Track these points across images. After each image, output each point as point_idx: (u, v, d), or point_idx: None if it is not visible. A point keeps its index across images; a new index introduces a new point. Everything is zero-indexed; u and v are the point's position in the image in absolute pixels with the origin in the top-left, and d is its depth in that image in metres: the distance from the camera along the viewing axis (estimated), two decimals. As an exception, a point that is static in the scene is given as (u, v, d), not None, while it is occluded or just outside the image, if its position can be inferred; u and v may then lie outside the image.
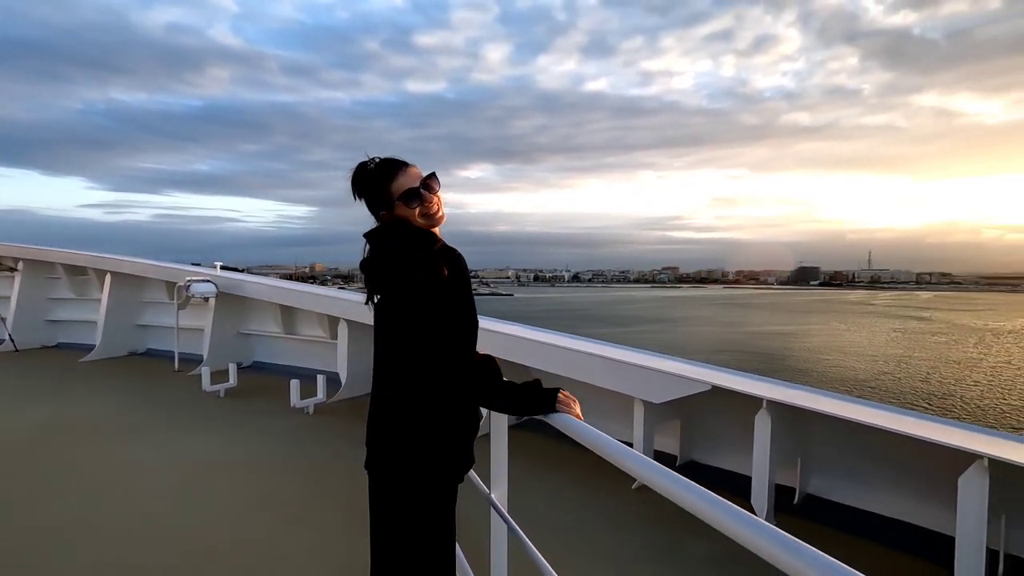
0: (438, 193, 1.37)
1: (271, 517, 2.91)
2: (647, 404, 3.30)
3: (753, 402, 2.86)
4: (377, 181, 1.37)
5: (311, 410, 4.93)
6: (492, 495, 1.59)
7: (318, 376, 5.05)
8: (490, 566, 1.62)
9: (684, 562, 2.56)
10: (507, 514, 1.53)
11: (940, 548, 2.42)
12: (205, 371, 5.64)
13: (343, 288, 11.67)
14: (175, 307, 6.78)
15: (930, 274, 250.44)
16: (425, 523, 1.34)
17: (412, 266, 1.28)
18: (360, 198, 1.41)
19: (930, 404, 19.22)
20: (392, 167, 1.37)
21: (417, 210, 1.34)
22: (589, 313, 62.74)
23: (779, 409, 2.82)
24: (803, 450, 3.12)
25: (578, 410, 1.29)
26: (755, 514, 2.61)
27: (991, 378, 24.47)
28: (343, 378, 5.42)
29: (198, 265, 8.29)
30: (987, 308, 74.21)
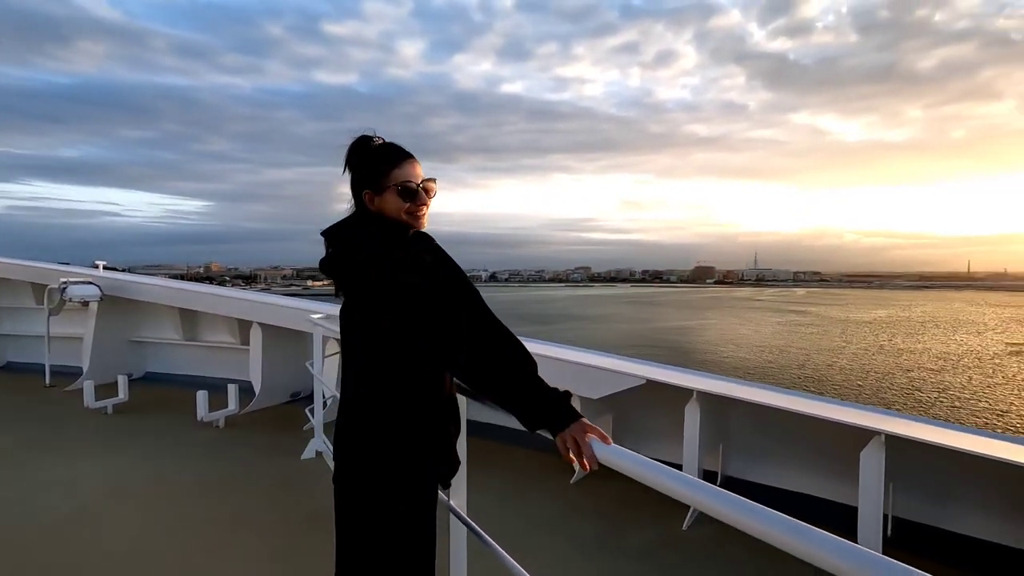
0: (430, 200, 1.32)
1: (190, 544, 2.59)
2: (584, 400, 3.38)
3: (683, 393, 3.04)
4: (379, 160, 1.29)
5: (221, 423, 4.51)
6: (452, 501, 1.53)
7: (228, 386, 4.63)
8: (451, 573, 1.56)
9: (628, 550, 2.67)
10: (469, 519, 1.46)
11: (846, 517, 2.71)
12: (87, 385, 4.95)
13: (245, 290, 10.85)
14: (45, 313, 5.89)
15: (804, 273, 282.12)
16: (412, 537, 1.22)
17: (394, 261, 1.19)
18: (349, 170, 1.32)
19: (808, 387, 21.70)
20: (400, 154, 1.30)
21: (406, 207, 1.27)
22: (511, 312, 63.48)
23: (706, 399, 3.02)
24: (724, 436, 3.37)
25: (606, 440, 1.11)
26: (688, 504, 2.64)
27: (852, 363, 28.01)
28: (257, 387, 5.02)
29: (67, 264, 7.29)
30: (849, 303, 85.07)
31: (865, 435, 2.53)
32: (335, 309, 5.41)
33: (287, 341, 5.04)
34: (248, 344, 5.19)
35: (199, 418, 4.43)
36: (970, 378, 23.10)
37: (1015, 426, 16.71)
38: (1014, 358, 28.83)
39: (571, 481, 3.20)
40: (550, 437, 1.13)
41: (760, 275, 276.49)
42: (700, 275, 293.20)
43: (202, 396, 4.47)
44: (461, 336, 1.18)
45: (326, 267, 1.30)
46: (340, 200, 1.36)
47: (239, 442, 4.18)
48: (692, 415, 3.02)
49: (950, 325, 46.61)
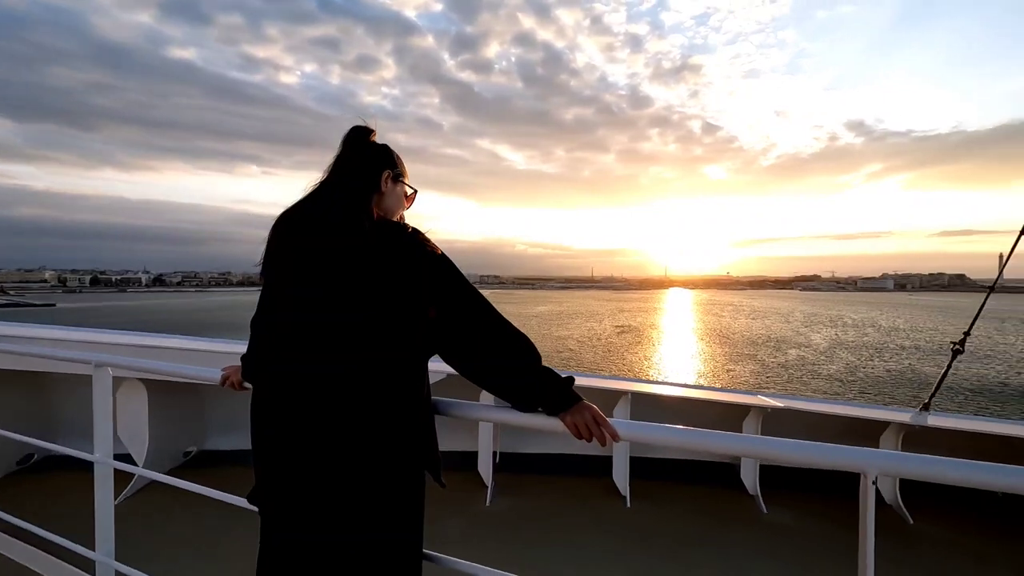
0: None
1: None
2: None
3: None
4: (390, 159, 1.27)
5: None
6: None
7: None
8: None
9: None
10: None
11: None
12: None
13: None
14: None
15: (487, 276, 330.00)
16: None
17: (403, 247, 1.11)
18: (369, 145, 1.26)
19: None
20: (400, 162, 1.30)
21: (403, 210, 1.30)
22: (195, 321, 53.49)
23: None
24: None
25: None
26: (484, 481, 3.43)
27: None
28: None
29: None
30: (521, 301, 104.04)
31: (616, 395, 3.30)
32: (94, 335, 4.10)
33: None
34: None
35: None
36: (596, 351, 31.99)
37: (629, 372, 24.26)
38: (621, 335, 41.45)
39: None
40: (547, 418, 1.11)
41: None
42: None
43: None
44: (468, 328, 1.11)
45: (300, 232, 1.13)
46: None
47: None
48: (487, 399, 3.36)
49: (584, 316, 62.55)
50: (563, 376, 1.12)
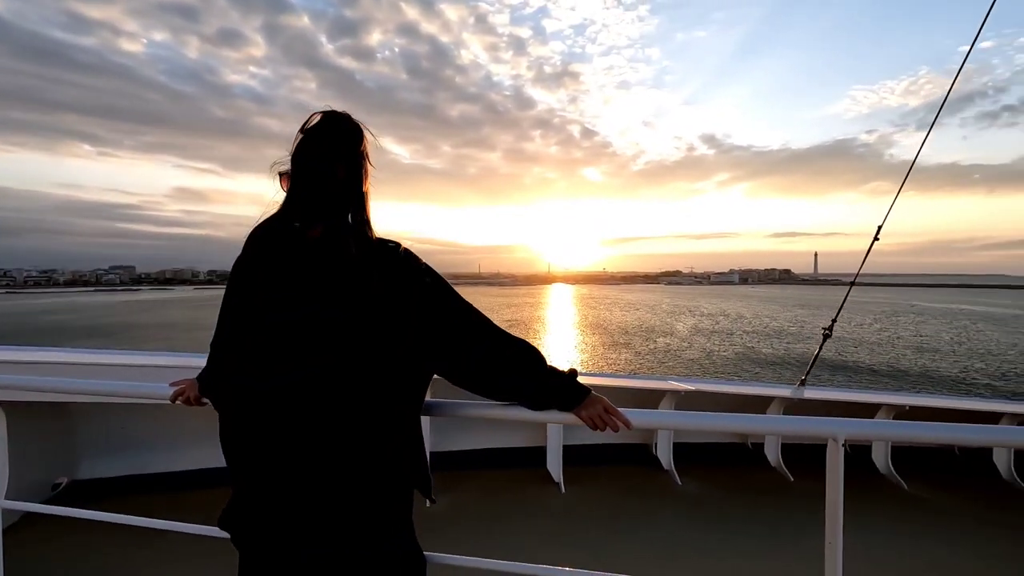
0: None
1: None
2: None
3: None
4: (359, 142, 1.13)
5: None
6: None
7: None
8: None
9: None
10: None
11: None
12: None
13: None
14: None
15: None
16: None
17: (395, 258, 1.10)
18: (351, 137, 1.12)
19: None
20: None
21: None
22: (15, 330, 44.72)
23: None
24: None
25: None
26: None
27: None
28: None
29: None
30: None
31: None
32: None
33: None
34: None
35: None
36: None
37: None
38: (510, 329, 42.50)
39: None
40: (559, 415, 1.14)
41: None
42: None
43: None
44: (464, 336, 1.10)
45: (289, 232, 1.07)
46: None
47: None
48: None
49: (473, 311, 63.04)
50: (568, 372, 1.15)
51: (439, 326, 1.08)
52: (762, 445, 4.14)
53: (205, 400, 1.25)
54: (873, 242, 3.25)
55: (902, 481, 3.82)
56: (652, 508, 3.36)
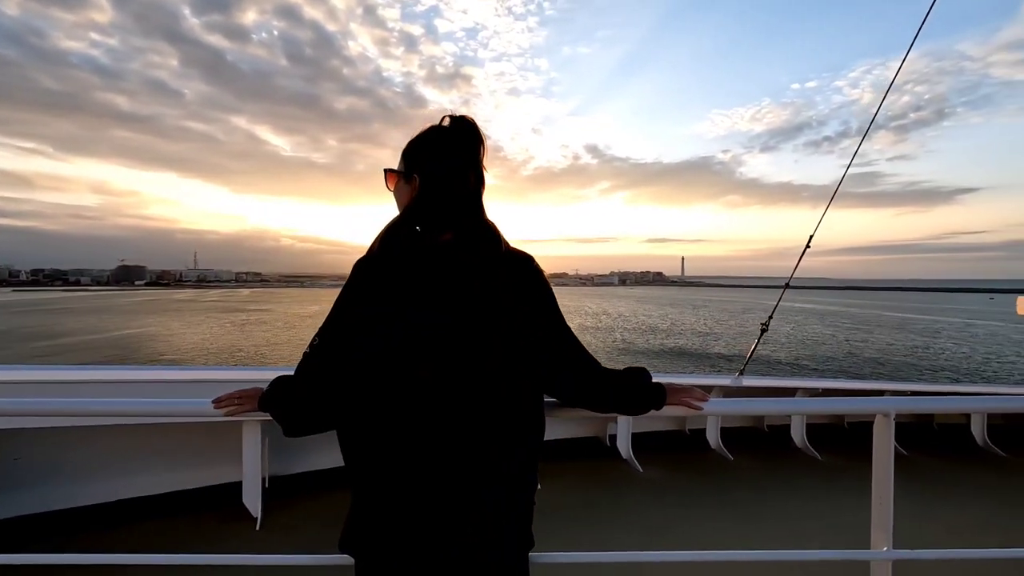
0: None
1: None
2: None
3: None
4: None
5: None
6: None
7: None
8: None
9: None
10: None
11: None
12: None
13: None
14: None
15: (246, 273, 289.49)
16: None
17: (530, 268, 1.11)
18: (471, 153, 1.10)
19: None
20: None
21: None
22: None
23: None
24: None
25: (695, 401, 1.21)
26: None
27: (296, 349, 32.53)
28: None
29: None
30: (290, 300, 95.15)
31: None
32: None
33: None
34: None
35: None
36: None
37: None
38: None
39: None
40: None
41: (202, 276, 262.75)
42: (126, 276, 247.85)
43: None
44: (576, 352, 1.14)
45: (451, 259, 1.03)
46: None
47: None
48: None
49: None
50: (641, 370, 1.21)
51: (556, 349, 1.10)
52: (702, 431, 4.68)
53: (241, 417, 1.18)
54: (805, 249, 3.44)
55: (818, 453, 4.52)
56: (614, 495, 3.62)
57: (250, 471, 3.10)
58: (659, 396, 1.19)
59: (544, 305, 1.09)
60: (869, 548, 1.38)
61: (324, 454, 3.68)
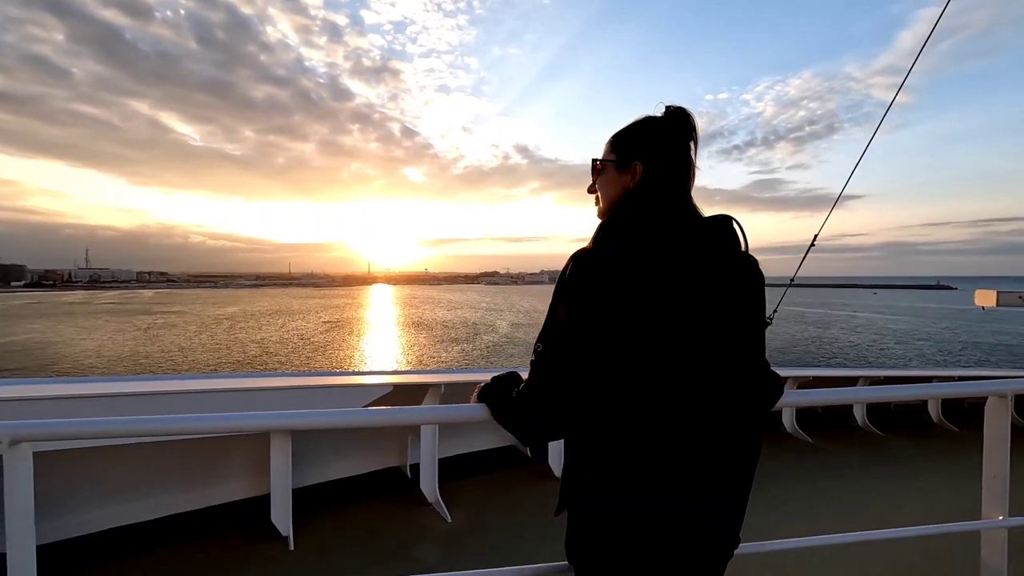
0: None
1: None
2: None
3: (422, 389, 3.41)
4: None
5: None
6: None
7: None
8: None
9: None
10: None
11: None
12: None
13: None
14: None
15: (150, 273, 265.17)
16: None
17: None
18: (693, 146, 1.08)
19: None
20: None
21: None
22: None
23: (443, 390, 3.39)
24: None
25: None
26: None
27: (212, 355, 30.59)
28: None
29: None
30: (202, 301, 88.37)
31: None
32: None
33: None
34: None
35: None
36: (304, 351, 30.61)
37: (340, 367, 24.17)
38: (330, 331, 40.48)
39: None
40: None
41: (96, 276, 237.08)
42: (1, 276, 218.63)
43: None
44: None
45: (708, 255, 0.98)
46: None
47: None
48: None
49: (286, 315, 58.07)
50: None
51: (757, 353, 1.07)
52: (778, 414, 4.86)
53: None
54: (809, 248, 3.41)
55: (807, 437, 4.90)
56: (541, 504, 3.39)
57: (279, 484, 2.87)
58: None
59: (763, 311, 1.07)
60: (980, 519, 1.43)
61: (344, 462, 3.51)
